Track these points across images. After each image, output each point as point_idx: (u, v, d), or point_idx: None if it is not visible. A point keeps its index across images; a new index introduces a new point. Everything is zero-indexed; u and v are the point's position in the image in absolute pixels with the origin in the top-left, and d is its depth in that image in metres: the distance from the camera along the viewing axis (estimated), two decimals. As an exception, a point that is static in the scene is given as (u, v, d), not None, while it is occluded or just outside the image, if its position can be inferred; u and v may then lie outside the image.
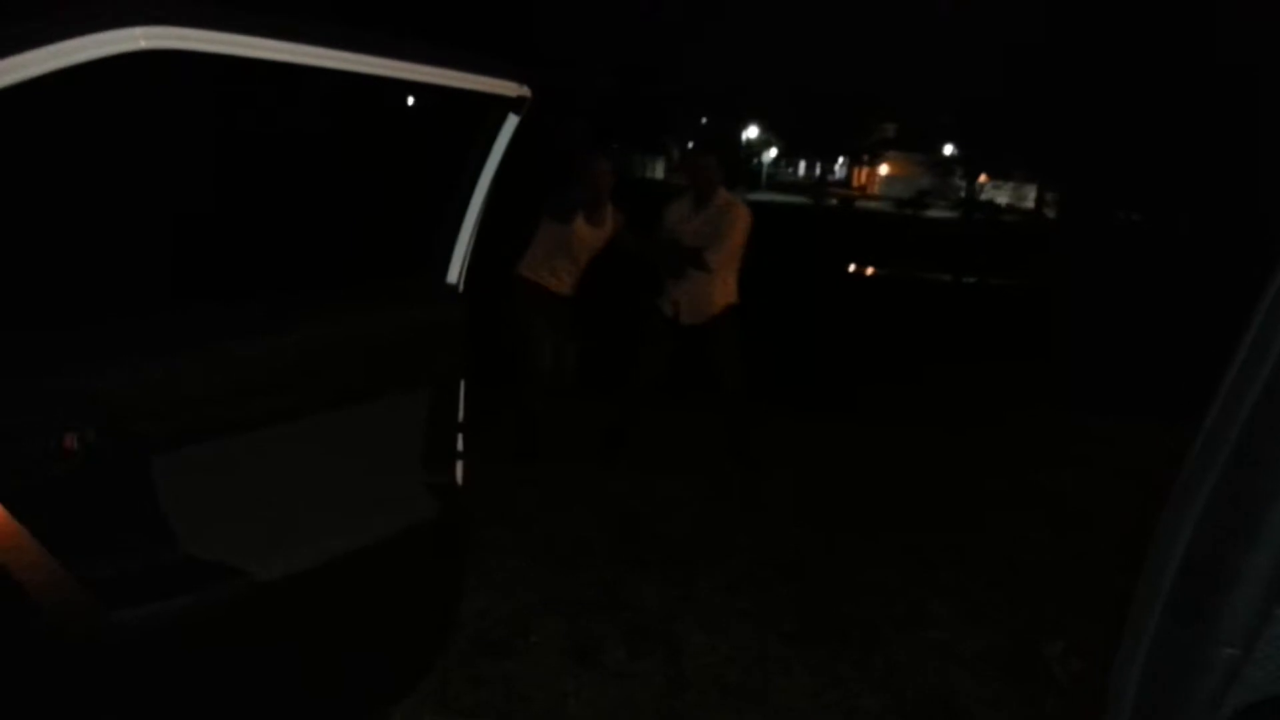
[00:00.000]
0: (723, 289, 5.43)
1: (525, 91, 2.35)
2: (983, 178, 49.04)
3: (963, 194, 47.27)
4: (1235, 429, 0.68)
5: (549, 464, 5.32)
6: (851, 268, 23.77)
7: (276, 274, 2.29)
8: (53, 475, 1.65)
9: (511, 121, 2.41)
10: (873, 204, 48.61)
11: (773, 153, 59.67)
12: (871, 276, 23.28)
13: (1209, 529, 0.72)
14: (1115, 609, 2.90)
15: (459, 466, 2.53)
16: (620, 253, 5.50)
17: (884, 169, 58.94)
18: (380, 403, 2.32)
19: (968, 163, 47.58)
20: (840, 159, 60.19)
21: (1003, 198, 49.34)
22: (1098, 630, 3.76)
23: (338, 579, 2.17)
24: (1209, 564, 0.71)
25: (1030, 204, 45.89)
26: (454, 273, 2.51)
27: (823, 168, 58.28)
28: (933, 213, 41.90)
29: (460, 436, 2.52)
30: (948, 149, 50.83)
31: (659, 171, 50.44)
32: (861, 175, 60.83)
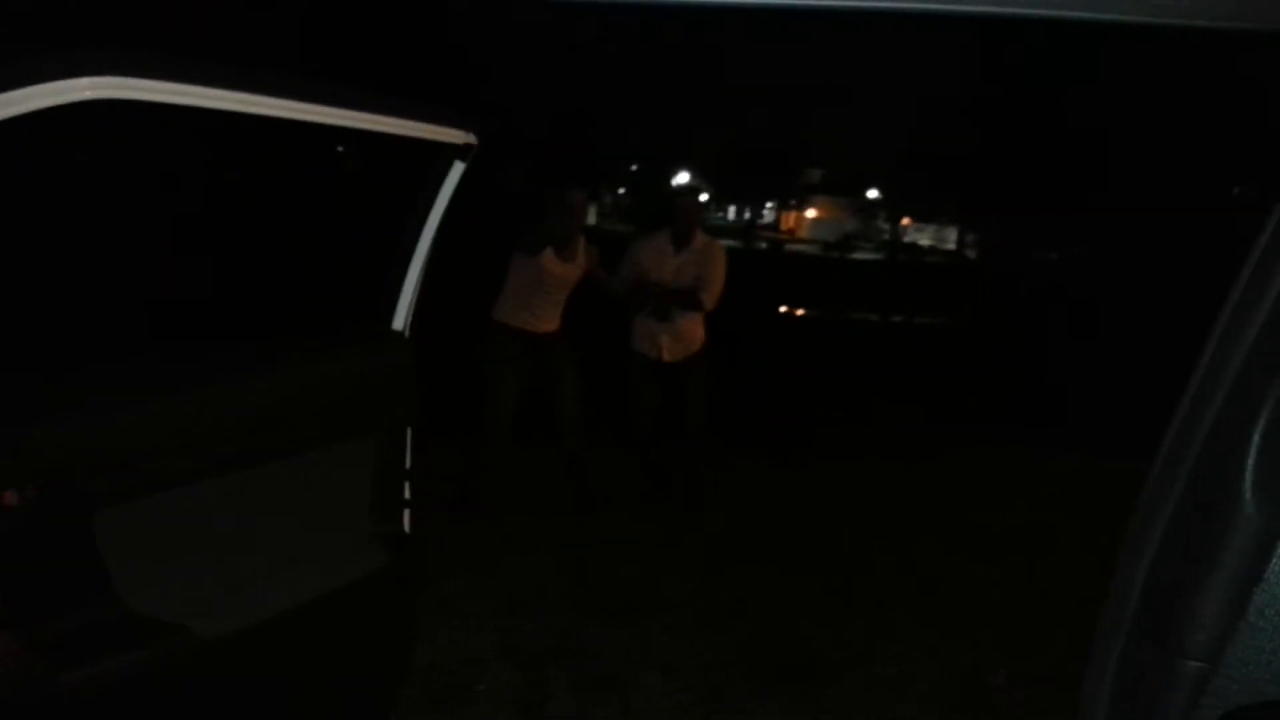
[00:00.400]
0: (699, 327, 5.50)
1: (472, 139, 2.37)
2: (906, 220, 50.36)
3: (887, 236, 48.45)
4: (1191, 455, 0.72)
5: (500, 511, 5.25)
6: (782, 309, 24.08)
7: (222, 325, 2.25)
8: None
9: (458, 169, 2.42)
10: (801, 247, 49.45)
11: (703, 198, 60.51)
12: (802, 317, 23.61)
13: (1170, 551, 0.75)
14: (1054, 637, 2.98)
15: (407, 514, 2.50)
16: (592, 293, 5.39)
17: (811, 213, 60.11)
18: (327, 452, 2.29)
19: (891, 206, 48.87)
20: (769, 203, 61.23)
21: (925, 240, 50.68)
22: (1039, 659, 3.84)
23: (287, 632, 2.12)
24: (1172, 584, 0.74)
25: (952, 245, 47.20)
26: (400, 319, 2.50)
27: (752, 212, 59.22)
28: (859, 255, 42.79)
29: (408, 484, 2.49)
30: (872, 193, 52.12)
31: (591, 217, 50.71)
32: (790, 219, 61.92)
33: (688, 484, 5.60)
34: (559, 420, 5.34)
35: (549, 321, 5.22)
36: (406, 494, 2.49)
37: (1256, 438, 0.68)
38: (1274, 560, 0.70)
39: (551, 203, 5.15)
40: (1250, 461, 0.68)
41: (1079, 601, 4.20)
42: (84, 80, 1.62)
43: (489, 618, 4.00)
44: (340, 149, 2.22)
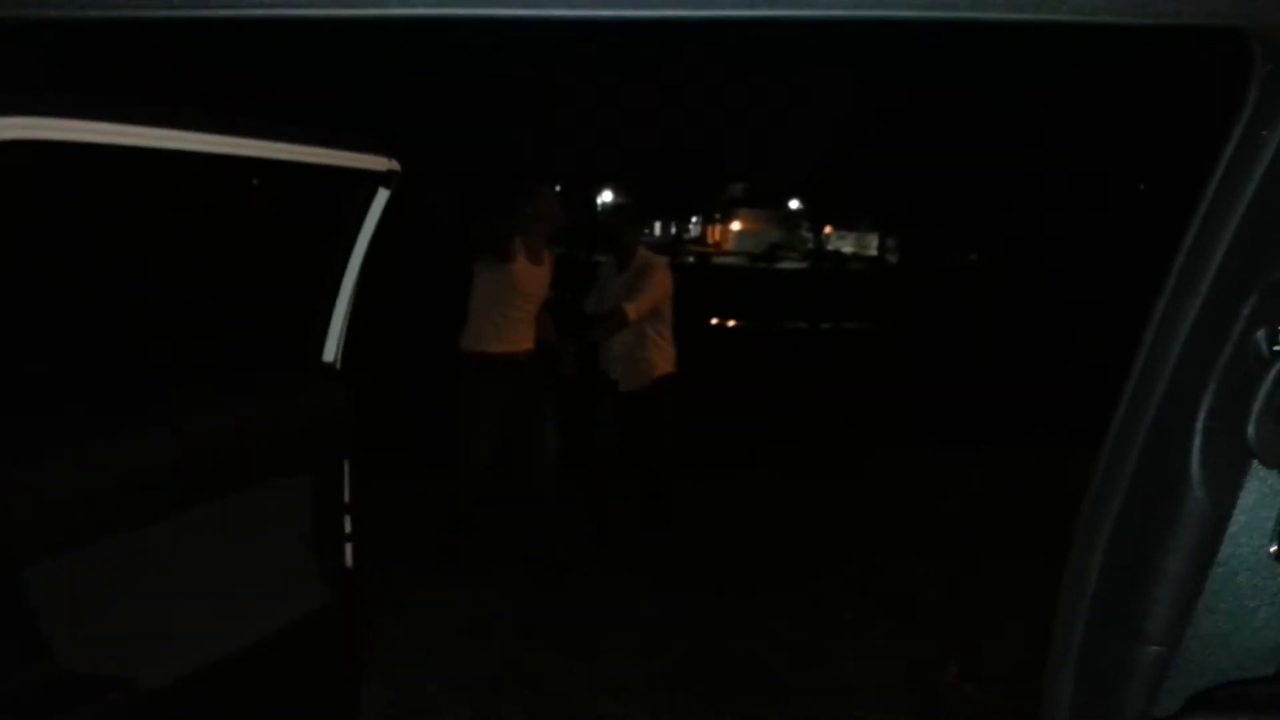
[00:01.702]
0: (659, 355, 5.23)
1: (395, 166, 2.34)
2: (828, 229, 51.20)
3: (810, 245, 49.20)
4: (1138, 440, 0.73)
5: (432, 548, 5.12)
6: (713, 321, 24.29)
7: (147, 367, 2.18)
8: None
9: (382, 196, 2.39)
10: (728, 259, 49.92)
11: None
12: (732, 328, 23.83)
13: (1123, 537, 0.76)
14: (1000, 631, 3.03)
15: (349, 549, 2.45)
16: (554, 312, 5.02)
17: (736, 225, 60.76)
18: (264, 489, 2.23)
19: (813, 216, 49.66)
20: (694, 218, 61.75)
21: (848, 247, 51.58)
22: (986, 653, 3.90)
23: (231, 676, 2.05)
24: (1126, 571, 0.75)
25: (873, 251, 48.12)
26: (330, 351, 2.45)
27: (678, 227, 59.65)
28: (784, 264, 43.36)
29: (349, 518, 2.44)
30: (794, 203, 52.89)
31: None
32: (715, 233, 62.49)
33: (648, 513, 5.40)
34: (530, 456, 4.81)
35: (526, 339, 4.68)
36: (347, 528, 2.43)
37: (1201, 419, 0.69)
38: (1225, 542, 0.71)
39: (522, 198, 4.66)
40: (1196, 443, 0.70)
41: (1021, 594, 4.30)
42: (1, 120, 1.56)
43: (436, 652, 3.92)
44: (261, 182, 2.18)
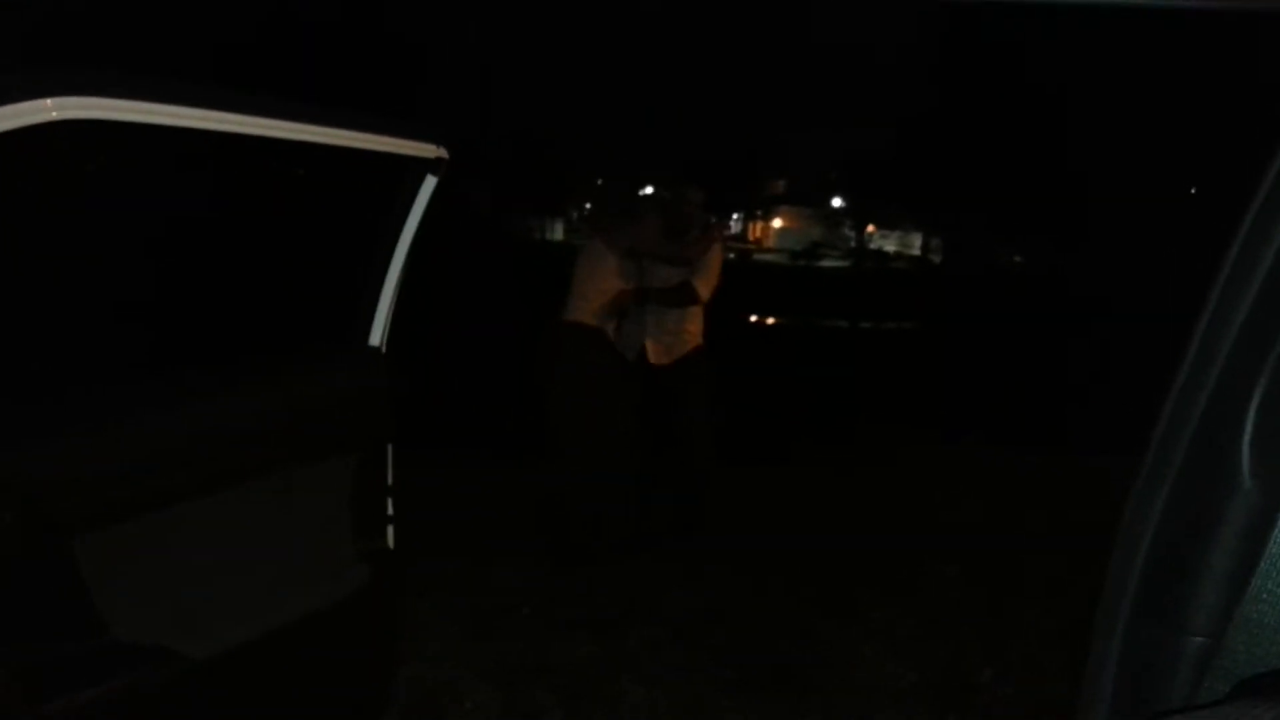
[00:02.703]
0: (696, 326, 5.15)
1: (443, 153, 2.37)
2: (870, 228, 50.79)
3: (853, 244, 48.82)
4: (1188, 431, 0.72)
5: (472, 531, 5.19)
6: (753, 318, 24.20)
7: (201, 346, 2.22)
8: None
9: (430, 183, 2.41)
10: (768, 256, 49.68)
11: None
12: (772, 325, 23.73)
13: (1169, 529, 0.76)
14: (1032, 631, 3.00)
15: (390, 531, 2.48)
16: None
17: (777, 223, 60.46)
18: (307, 470, 2.27)
19: (856, 214, 49.27)
20: (735, 214, 61.56)
21: (890, 246, 51.12)
22: (1019, 652, 3.87)
23: (272, 652, 2.09)
24: (1172, 562, 0.75)
25: (916, 251, 47.65)
26: (377, 335, 2.48)
27: (719, 222, 59.56)
28: (825, 263, 43.05)
29: (390, 500, 2.47)
30: (836, 201, 52.53)
31: (559, 233, 50.77)
32: (756, 229, 62.25)
33: (685, 509, 5.31)
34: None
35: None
36: (389, 510, 2.46)
37: (1253, 411, 0.69)
38: (1274, 534, 0.71)
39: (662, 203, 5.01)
40: (1247, 435, 0.69)
41: (1057, 596, 4.25)
42: (50, 101, 1.60)
43: (468, 636, 3.96)
44: (311, 166, 2.20)
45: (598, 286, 4.91)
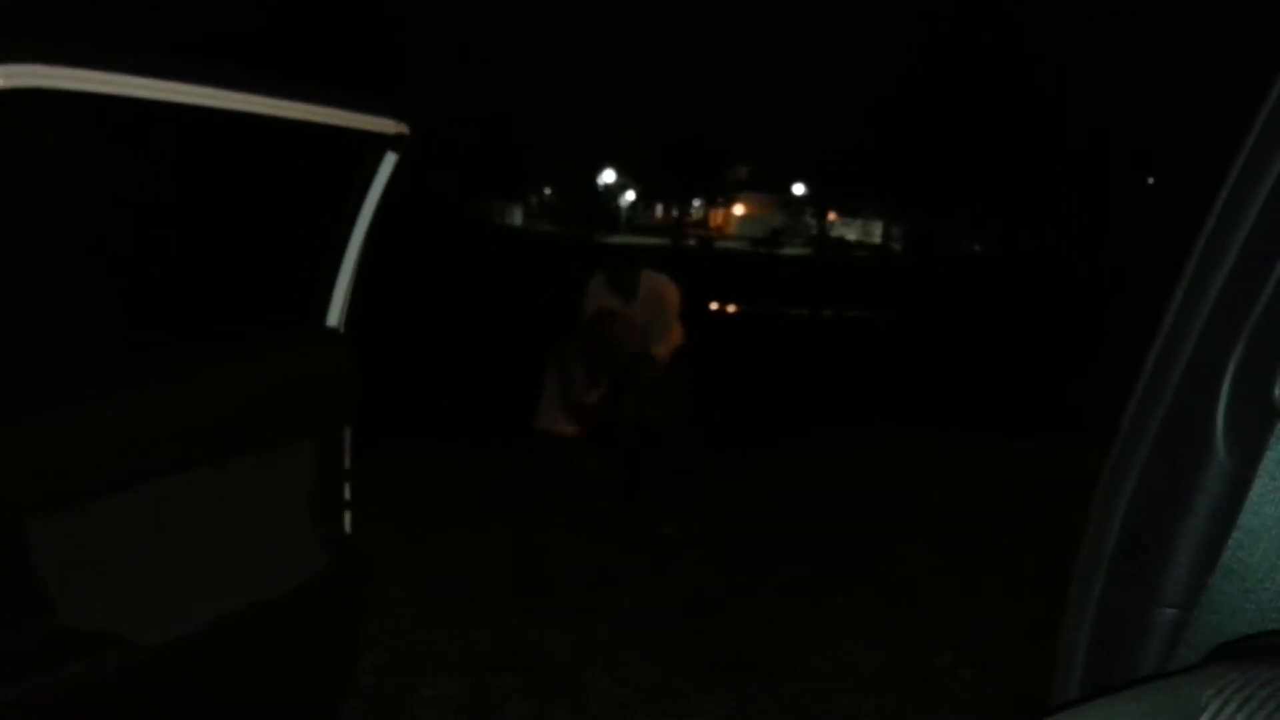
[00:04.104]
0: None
1: (404, 129, 2.32)
2: (832, 215, 51.10)
3: (814, 232, 49.12)
4: (1163, 403, 0.72)
5: (433, 520, 5.16)
6: (714, 306, 24.26)
7: (149, 328, 2.16)
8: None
9: (390, 160, 2.36)
10: (730, 244, 49.83)
11: (630, 195, 60.64)
12: (734, 314, 23.81)
13: (1143, 500, 0.75)
14: (993, 617, 3.03)
15: (348, 516, 2.44)
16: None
17: (739, 209, 60.61)
18: (263, 454, 2.22)
19: (818, 201, 49.55)
20: (696, 201, 61.57)
21: (851, 234, 51.45)
22: (982, 640, 3.91)
23: (228, 639, 2.05)
24: (1146, 533, 0.74)
25: (877, 239, 47.99)
26: (334, 316, 2.44)
27: (680, 209, 59.47)
28: (787, 250, 43.29)
29: (348, 485, 2.43)
30: (798, 188, 52.77)
31: (517, 218, 50.52)
32: (718, 216, 62.34)
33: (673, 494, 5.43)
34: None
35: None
36: (347, 495, 2.42)
37: (1227, 382, 0.68)
38: (1247, 505, 0.70)
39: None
40: (1222, 405, 0.69)
41: (1020, 583, 4.31)
42: (-4, 68, 1.54)
43: (432, 623, 3.93)
44: (268, 141, 2.14)
45: (570, 399, 5.24)
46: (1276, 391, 0.63)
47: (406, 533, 4.86)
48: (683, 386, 5.37)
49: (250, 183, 2.35)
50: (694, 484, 5.43)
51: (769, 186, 55.78)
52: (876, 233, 49.18)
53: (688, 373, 5.42)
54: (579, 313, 5.41)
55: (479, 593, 4.27)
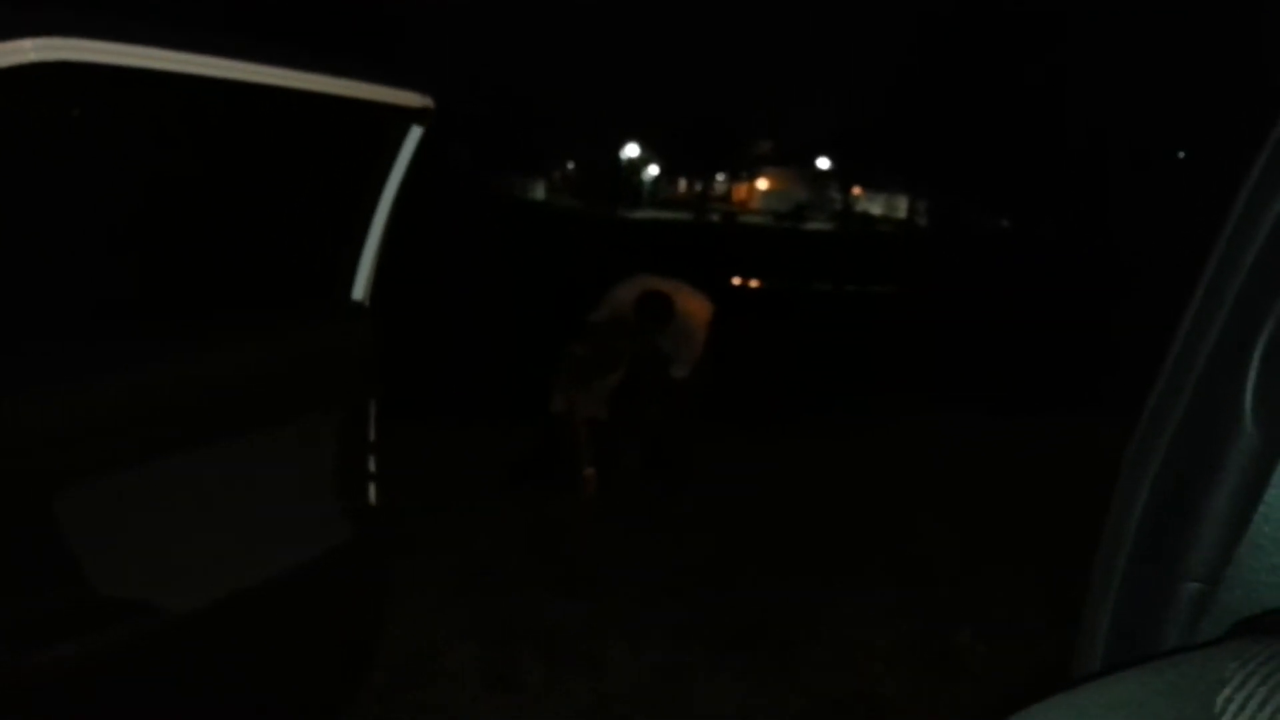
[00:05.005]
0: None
1: (429, 102, 2.32)
2: (856, 190, 50.73)
3: (838, 206, 48.77)
4: (1192, 377, 0.72)
5: (448, 495, 5.19)
6: (736, 281, 24.19)
7: (177, 300, 2.18)
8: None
9: (415, 133, 2.37)
10: (753, 218, 49.56)
11: (654, 170, 60.38)
12: (756, 289, 23.74)
13: (1169, 474, 0.75)
14: (1014, 597, 3.03)
15: (372, 488, 2.47)
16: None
17: (762, 184, 60.22)
18: (288, 426, 2.24)
19: (842, 176, 49.18)
20: (720, 175, 61.21)
21: (876, 209, 51.07)
22: (1000, 617, 3.91)
23: (254, 608, 2.08)
24: (1171, 507, 0.74)
25: (902, 214, 47.59)
26: (360, 289, 2.45)
27: (703, 184, 59.17)
28: (811, 225, 43.01)
29: (373, 457, 2.45)
30: (823, 163, 52.35)
31: (540, 192, 50.44)
32: (741, 190, 61.99)
33: (653, 464, 5.53)
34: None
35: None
36: (371, 467, 2.45)
37: (1257, 356, 0.68)
38: (1274, 479, 0.70)
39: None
40: (1251, 380, 0.68)
41: (1039, 561, 4.30)
42: (28, 42, 1.56)
43: (451, 595, 3.96)
44: (294, 114, 2.15)
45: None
46: (1307, 366, 0.63)
47: (422, 507, 4.89)
48: (700, 393, 5.41)
49: (276, 156, 2.36)
50: (685, 458, 5.49)
51: (793, 161, 55.39)
52: (902, 207, 48.75)
53: (708, 380, 5.44)
54: (594, 312, 5.34)
55: (495, 566, 4.31)
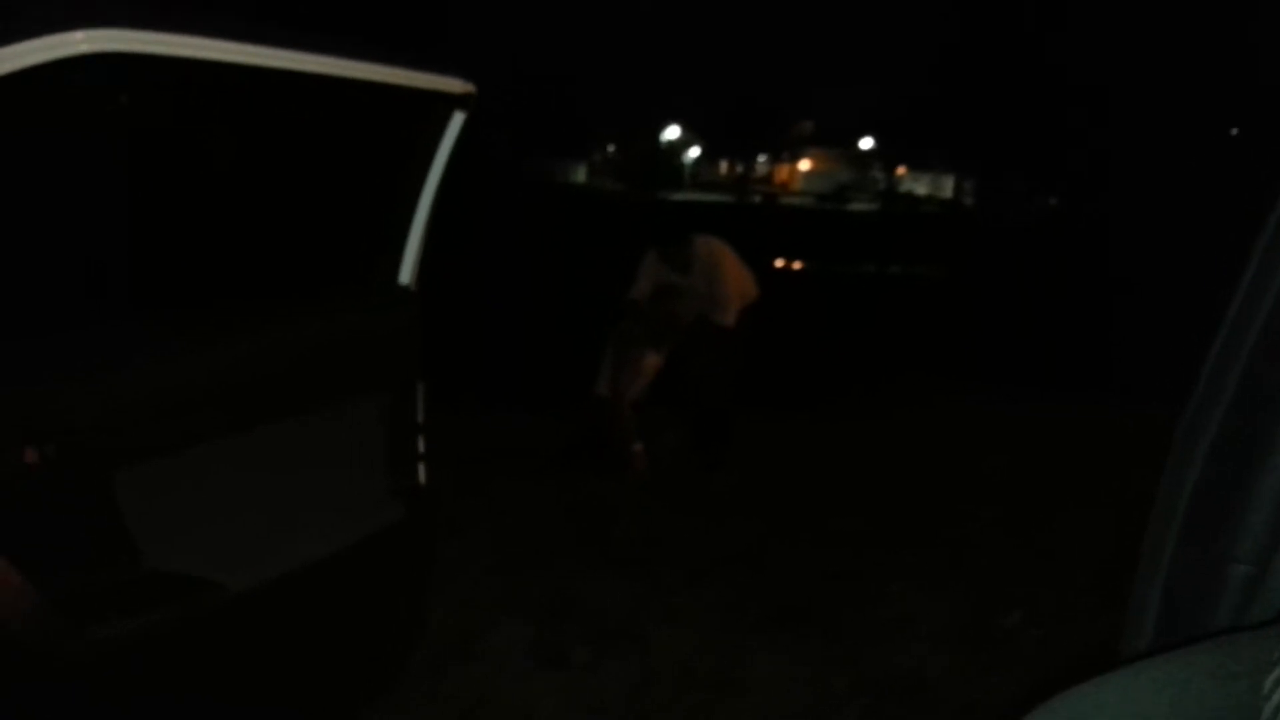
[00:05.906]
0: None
1: (471, 88, 2.34)
2: (900, 170, 50.04)
3: (882, 187, 48.14)
4: (1242, 357, 0.71)
5: (496, 474, 5.24)
6: (779, 263, 24.00)
7: (231, 284, 2.24)
8: (14, 490, 1.60)
9: (458, 119, 2.39)
10: (795, 200, 49.12)
11: (695, 152, 60.06)
12: (798, 271, 23.55)
13: (1218, 457, 0.75)
14: (1063, 579, 2.99)
15: (422, 468, 2.51)
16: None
17: (804, 165, 59.64)
18: (340, 407, 2.29)
19: (885, 156, 48.54)
20: (761, 156, 60.68)
21: (921, 189, 50.36)
22: (1049, 599, 3.87)
23: (307, 585, 2.13)
24: (1220, 490, 0.74)
25: (948, 194, 46.88)
26: (406, 274, 2.48)
27: (745, 165, 58.69)
28: (854, 206, 42.51)
29: (422, 438, 2.49)
30: (866, 143, 51.72)
31: (581, 175, 50.43)
32: (783, 172, 61.44)
33: (699, 448, 5.57)
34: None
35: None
36: (420, 448, 2.49)
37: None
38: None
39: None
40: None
41: (1088, 543, 4.25)
42: (79, 34, 1.59)
43: (494, 574, 4.01)
44: (340, 101, 2.18)
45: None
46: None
47: (465, 487, 4.94)
48: (741, 346, 5.42)
49: (322, 144, 2.40)
50: (723, 435, 5.54)
51: (835, 141, 54.75)
52: (947, 187, 48.01)
53: (751, 330, 5.44)
54: (632, 288, 5.41)
55: (539, 545, 4.35)
